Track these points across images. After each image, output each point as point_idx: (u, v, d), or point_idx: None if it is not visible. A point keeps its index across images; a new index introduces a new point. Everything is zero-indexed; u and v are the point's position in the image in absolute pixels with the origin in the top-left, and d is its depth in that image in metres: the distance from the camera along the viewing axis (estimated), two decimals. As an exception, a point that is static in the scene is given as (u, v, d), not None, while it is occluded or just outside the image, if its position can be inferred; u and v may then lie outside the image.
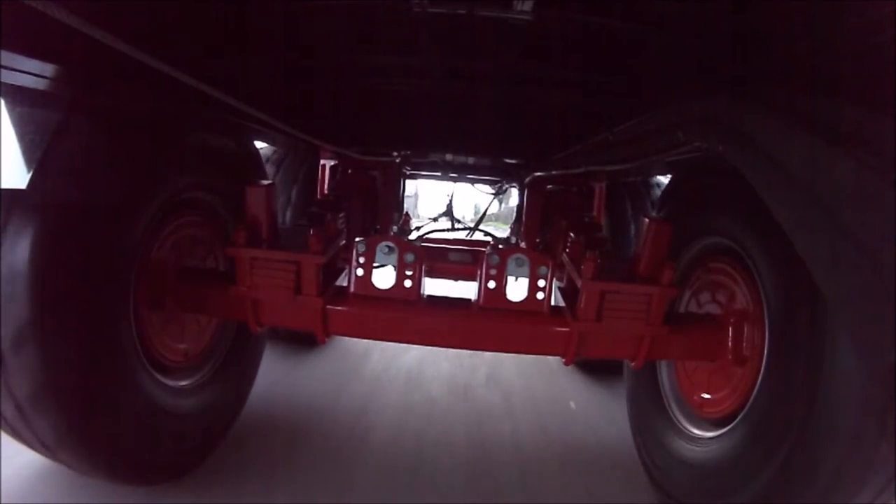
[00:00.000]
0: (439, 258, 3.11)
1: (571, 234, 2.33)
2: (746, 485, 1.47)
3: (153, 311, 1.73)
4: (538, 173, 3.64)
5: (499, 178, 4.96)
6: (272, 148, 3.16)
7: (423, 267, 1.85)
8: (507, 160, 3.91)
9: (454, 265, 3.10)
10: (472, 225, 5.22)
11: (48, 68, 1.14)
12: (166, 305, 1.77)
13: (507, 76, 2.01)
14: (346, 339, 3.38)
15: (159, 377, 1.72)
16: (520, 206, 4.16)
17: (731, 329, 1.76)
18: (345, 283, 1.89)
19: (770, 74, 1.17)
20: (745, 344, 1.72)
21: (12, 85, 1.13)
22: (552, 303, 1.84)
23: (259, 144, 2.49)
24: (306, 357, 3.22)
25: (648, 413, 2.12)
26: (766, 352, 1.56)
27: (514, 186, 4.85)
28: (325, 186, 3.46)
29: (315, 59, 1.97)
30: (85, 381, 1.42)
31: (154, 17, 1.21)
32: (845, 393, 1.22)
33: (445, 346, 1.99)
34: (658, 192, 3.21)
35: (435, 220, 5.20)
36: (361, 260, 1.82)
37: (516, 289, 1.84)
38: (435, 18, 1.45)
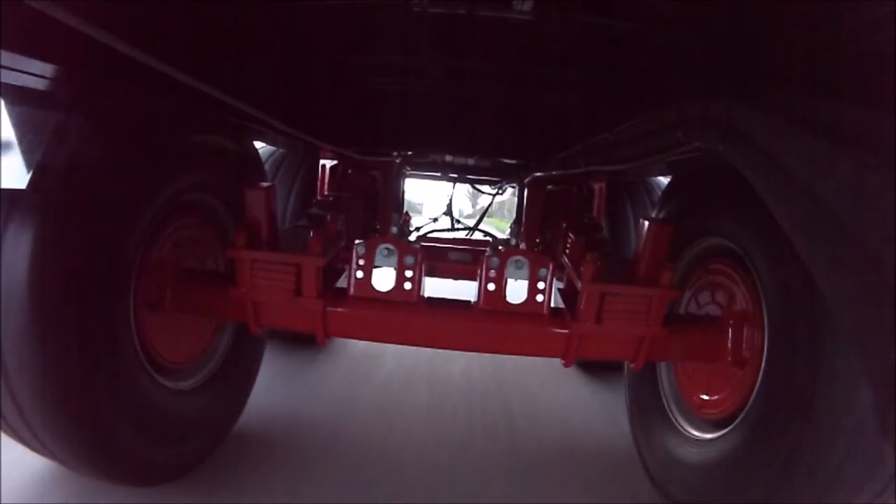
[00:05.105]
0: (439, 258, 3.11)
1: (571, 235, 2.33)
2: (746, 486, 1.47)
3: (153, 313, 1.72)
4: (538, 173, 3.64)
5: (499, 178, 4.96)
6: (271, 148, 3.16)
7: (423, 268, 1.85)
8: (507, 160, 3.91)
9: (454, 265, 3.10)
10: (470, 224, 5.22)
11: (48, 68, 1.13)
12: (166, 307, 1.77)
13: (507, 76, 2.01)
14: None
15: (159, 378, 1.72)
16: (519, 207, 4.16)
17: (730, 330, 1.77)
18: (345, 285, 1.89)
19: (770, 74, 1.17)
20: (744, 345, 1.72)
21: (12, 85, 1.13)
22: (552, 304, 1.84)
23: (258, 144, 2.49)
24: (307, 356, 3.22)
25: (648, 414, 2.12)
26: (765, 353, 1.56)
27: (513, 186, 4.85)
28: (325, 186, 3.46)
29: (315, 59, 1.97)
30: (84, 382, 1.42)
31: (154, 17, 1.21)
32: (845, 393, 1.22)
33: (445, 347, 1.99)
34: (658, 193, 3.22)
35: (435, 220, 5.19)
36: (361, 262, 1.82)
37: (516, 290, 1.84)
38: (435, 18, 1.45)
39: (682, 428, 1.92)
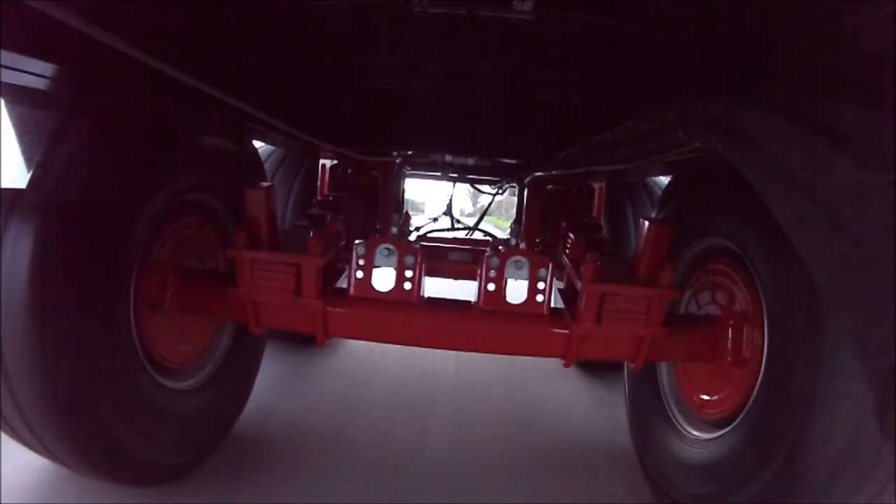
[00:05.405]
0: (439, 258, 3.11)
1: (571, 235, 2.33)
2: (746, 485, 1.47)
3: (153, 312, 1.73)
4: (538, 173, 3.64)
5: (499, 178, 4.96)
6: (271, 147, 3.16)
7: (423, 268, 1.85)
8: (507, 160, 3.91)
9: (454, 265, 3.10)
10: (470, 224, 5.22)
11: (48, 68, 1.14)
12: (166, 306, 1.77)
13: (507, 76, 2.01)
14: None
15: (159, 378, 1.72)
16: (519, 207, 4.15)
17: (730, 330, 1.76)
18: (345, 285, 1.89)
19: (770, 74, 1.17)
20: (744, 345, 1.72)
21: (12, 85, 1.13)
22: (552, 304, 1.84)
23: (258, 144, 2.49)
24: (307, 356, 3.22)
25: (648, 414, 2.12)
26: (765, 353, 1.56)
27: (513, 186, 4.85)
28: (325, 186, 3.46)
29: (315, 59, 1.97)
30: (85, 382, 1.42)
31: (154, 17, 1.21)
32: (845, 393, 1.22)
33: (445, 348, 1.99)
34: (658, 193, 3.21)
35: (435, 219, 5.19)
36: (361, 262, 1.82)
37: (516, 290, 1.84)
38: (435, 18, 1.44)
39: (682, 428, 1.92)
